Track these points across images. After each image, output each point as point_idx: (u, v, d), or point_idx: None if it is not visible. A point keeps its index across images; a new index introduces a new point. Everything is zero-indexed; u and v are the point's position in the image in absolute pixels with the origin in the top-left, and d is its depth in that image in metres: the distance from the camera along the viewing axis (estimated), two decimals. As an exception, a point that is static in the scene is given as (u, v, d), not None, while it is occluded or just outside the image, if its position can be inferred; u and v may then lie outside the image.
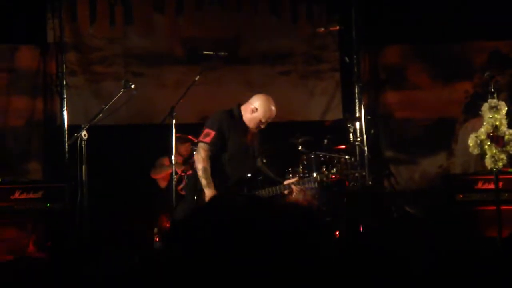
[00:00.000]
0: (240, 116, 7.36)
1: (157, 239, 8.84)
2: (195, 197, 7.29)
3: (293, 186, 7.44)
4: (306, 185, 7.66)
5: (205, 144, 7.24)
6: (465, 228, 8.65)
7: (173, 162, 8.30)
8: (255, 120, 7.34)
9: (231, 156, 7.34)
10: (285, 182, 7.48)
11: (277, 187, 7.45)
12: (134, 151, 9.98)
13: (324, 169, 8.06)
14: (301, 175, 8.93)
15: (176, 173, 8.69)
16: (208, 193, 7.15)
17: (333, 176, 7.67)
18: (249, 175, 7.46)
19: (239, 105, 7.42)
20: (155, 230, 9.04)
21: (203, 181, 7.18)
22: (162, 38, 10.80)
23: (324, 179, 7.64)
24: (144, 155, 9.85)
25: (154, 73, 10.71)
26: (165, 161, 9.57)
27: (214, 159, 7.27)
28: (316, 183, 7.77)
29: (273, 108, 7.38)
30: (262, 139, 7.72)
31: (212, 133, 7.24)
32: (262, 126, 7.41)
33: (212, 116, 7.49)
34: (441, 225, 8.40)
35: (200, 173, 7.22)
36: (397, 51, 10.93)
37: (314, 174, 7.92)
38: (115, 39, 10.69)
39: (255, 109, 7.31)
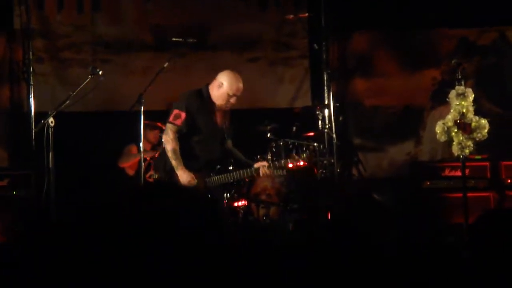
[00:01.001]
0: (209, 95, 7.35)
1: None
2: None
3: (262, 170, 7.43)
4: (277, 169, 7.67)
5: (174, 126, 7.23)
6: (432, 215, 8.71)
7: (141, 149, 8.28)
8: (223, 95, 7.30)
9: (200, 137, 7.33)
10: (255, 165, 7.47)
11: (247, 170, 7.45)
12: (102, 138, 9.92)
13: (295, 154, 8.07)
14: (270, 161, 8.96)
15: (145, 160, 8.66)
16: (180, 173, 7.16)
17: (303, 162, 7.66)
18: (218, 156, 7.46)
19: (207, 85, 7.41)
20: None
21: (173, 162, 7.19)
22: (130, 25, 10.73)
23: (295, 163, 7.65)
24: (112, 142, 9.80)
25: (122, 60, 10.65)
26: (133, 149, 9.53)
27: (183, 140, 7.26)
28: (285, 168, 7.80)
29: (240, 82, 7.35)
30: (231, 119, 7.71)
31: (183, 115, 7.22)
32: (232, 101, 7.36)
33: (180, 96, 7.47)
34: (409, 212, 8.46)
35: (169, 154, 7.22)
36: (365, 38, 10.94)
37: (284, 160, 7.93)
38: (82, 26, 10.61)
39: (221, 84, 7.28)
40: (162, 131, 9.07)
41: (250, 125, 9.66)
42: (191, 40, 8.81)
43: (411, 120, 10.78)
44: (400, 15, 10.45)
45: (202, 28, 10.70)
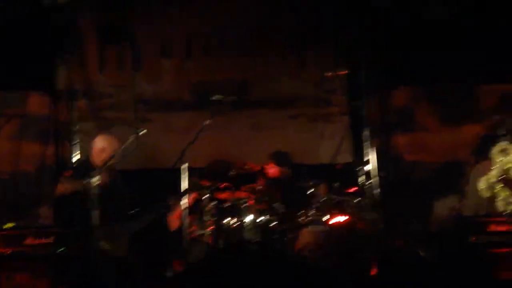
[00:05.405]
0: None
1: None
2: None
3: None
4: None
5: None
6: (479, 271, 8.59)
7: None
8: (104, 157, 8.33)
9: None
10: None
11: None
12: (145, 195, 9.95)
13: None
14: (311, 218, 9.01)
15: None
16: None
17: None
18: None
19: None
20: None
21: None
22: (170, 83, 10.88)
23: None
24: (155, 199, 9.81)
25: (163, 118, 10.76)
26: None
27: None
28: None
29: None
30: None
31: None
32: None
33: None
34: (455, 268, 8.36)
35: None
36: (405, 94, 10.92)
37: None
38: (124, 85, 10.77)
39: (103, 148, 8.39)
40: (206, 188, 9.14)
41: (292, 181, 9.67)
42: (231, 98, 8.92)
43: (454, 175, 10.68)
44: (440, 70, 10.44)
45: (242, 85, 10.80)
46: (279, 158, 9.73)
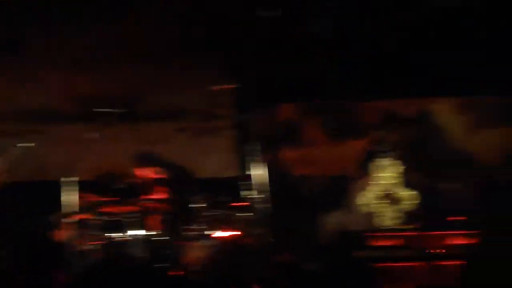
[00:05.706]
0: None
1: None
2: None
3: None
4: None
5: None
6: (362, 285, 8.77)
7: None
8: None
9: None
10: None
11: None
12: (30, 207, 9.81)
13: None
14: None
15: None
16: None
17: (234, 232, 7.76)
18: None
19: None
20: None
21: None
22: (57, 95, 10.70)
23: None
24: (41, 212, 9.68)
25: (49, 130, 10.58)
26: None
27: None
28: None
29: None
30: None
31: None
32: None
33: None
34: (339, 281, 8.52)
35: None
36: (292, 108, 11.07)
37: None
38: (8, 95, 10.54)
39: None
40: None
41: (178, 195, 9.67)
42: (118, 110, 8.86)
43: (340, 190, 10.86)
44: (327, 86, 10.62)
45: (129, 98, 10.71)
46: (141, 159, 9.75)
